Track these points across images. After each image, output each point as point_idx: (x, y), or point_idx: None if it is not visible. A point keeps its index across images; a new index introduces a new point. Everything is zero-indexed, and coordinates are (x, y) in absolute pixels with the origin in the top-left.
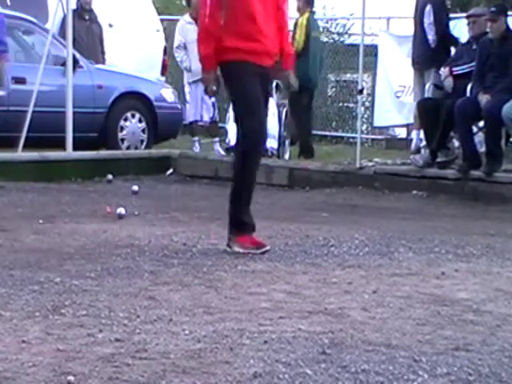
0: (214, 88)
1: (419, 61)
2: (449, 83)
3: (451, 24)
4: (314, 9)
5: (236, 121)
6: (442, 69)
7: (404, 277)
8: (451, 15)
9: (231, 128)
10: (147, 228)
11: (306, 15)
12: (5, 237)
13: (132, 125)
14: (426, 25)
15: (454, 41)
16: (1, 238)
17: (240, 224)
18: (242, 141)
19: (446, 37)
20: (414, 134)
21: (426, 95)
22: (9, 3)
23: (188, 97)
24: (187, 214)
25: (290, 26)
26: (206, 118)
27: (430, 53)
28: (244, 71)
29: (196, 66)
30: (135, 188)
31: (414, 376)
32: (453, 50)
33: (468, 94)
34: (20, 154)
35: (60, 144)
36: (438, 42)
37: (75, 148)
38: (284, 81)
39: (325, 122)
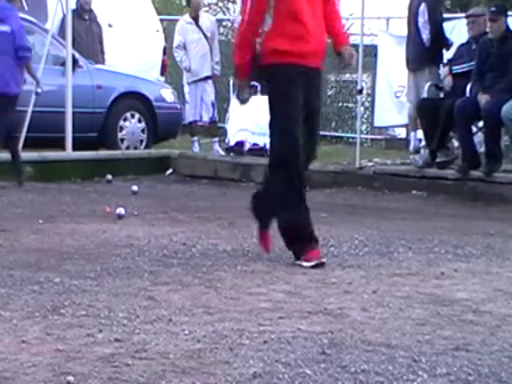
0: (247, 95)
1: (413, 61)
2: (448, 82)
3: (451, 24)
4: None
5: (270, 126)
6: (442, 68)
7: (404, 277)
8: (451, 15)
9: (231, 128)
10: (147, 228)
11: None
12: (5, 237)
13: (131, 125)
14: (420, 24)
15: (447, 42)
16: (1, 237)
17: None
18: (271, 152)
19: (439, 37)
20: (411, 136)
21: (425, 95)
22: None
23: (187, 97)
24: (187, 214)
25: None
26: (206, 118)
27: (424, 52)
28: (287, 78)
29: (195, 65)
30: (135, 188)
31: (413, 376)
32: (444, 52)
33: (467, 93)
34: (20, 155)
35: (60, 144)
36: (431, 42)
37: (75, 148)
38: (345, 55)
39: (324, 122)
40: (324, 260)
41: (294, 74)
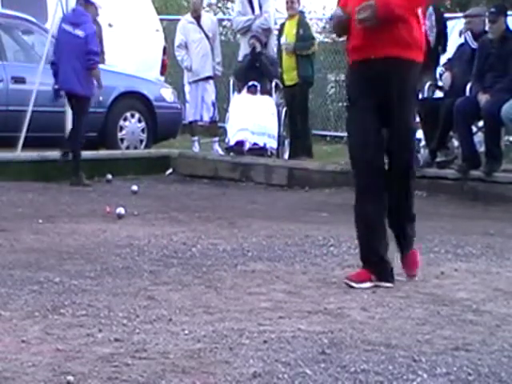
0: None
1: None
2: (446, 80)
3: (451, 24)
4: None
5: None
6: (441, 67)
7: (404, 276)
8: (451, 15)
9: (231, 127)
10: (147, 228)
11: (297, 17)
12: (5, 237)
13: (131, 124)
14: (427, 27)
15: (446, 42)
16: (1, 237)
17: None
18: None
19: (441, 35)
20: None
21: (425, 95)
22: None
23: (188, 96)
24: (187, 214)
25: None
26: (206, 117)
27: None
28: (351, 77)
29: (196, 65)
30: (135, 188)
31: (413, 376)
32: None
33: (467, 93)
34: (19, 154)
35: (60, 144)
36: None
37: None
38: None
39: (325, 121)
40: (357, 286)
41: (357, 72)
